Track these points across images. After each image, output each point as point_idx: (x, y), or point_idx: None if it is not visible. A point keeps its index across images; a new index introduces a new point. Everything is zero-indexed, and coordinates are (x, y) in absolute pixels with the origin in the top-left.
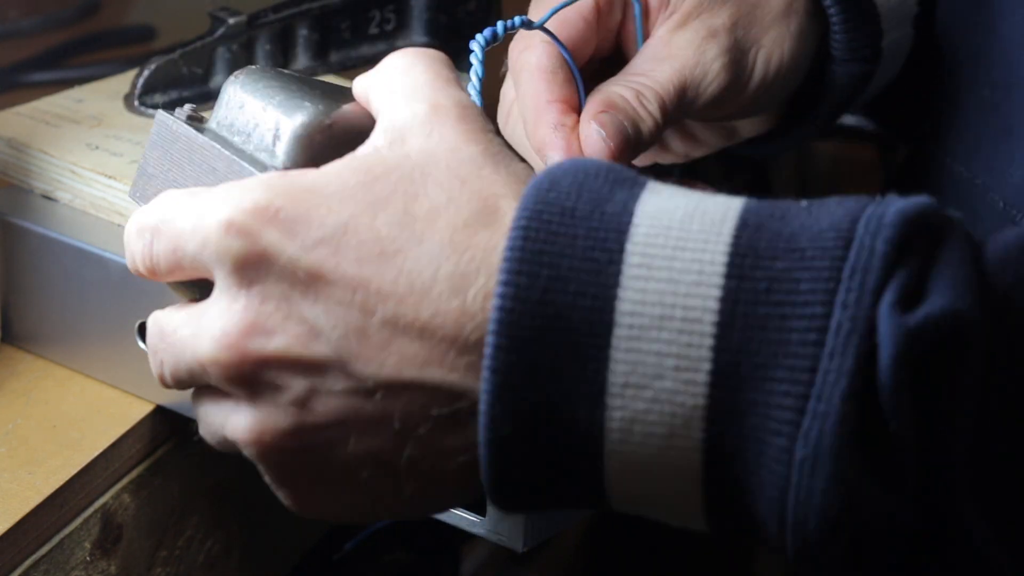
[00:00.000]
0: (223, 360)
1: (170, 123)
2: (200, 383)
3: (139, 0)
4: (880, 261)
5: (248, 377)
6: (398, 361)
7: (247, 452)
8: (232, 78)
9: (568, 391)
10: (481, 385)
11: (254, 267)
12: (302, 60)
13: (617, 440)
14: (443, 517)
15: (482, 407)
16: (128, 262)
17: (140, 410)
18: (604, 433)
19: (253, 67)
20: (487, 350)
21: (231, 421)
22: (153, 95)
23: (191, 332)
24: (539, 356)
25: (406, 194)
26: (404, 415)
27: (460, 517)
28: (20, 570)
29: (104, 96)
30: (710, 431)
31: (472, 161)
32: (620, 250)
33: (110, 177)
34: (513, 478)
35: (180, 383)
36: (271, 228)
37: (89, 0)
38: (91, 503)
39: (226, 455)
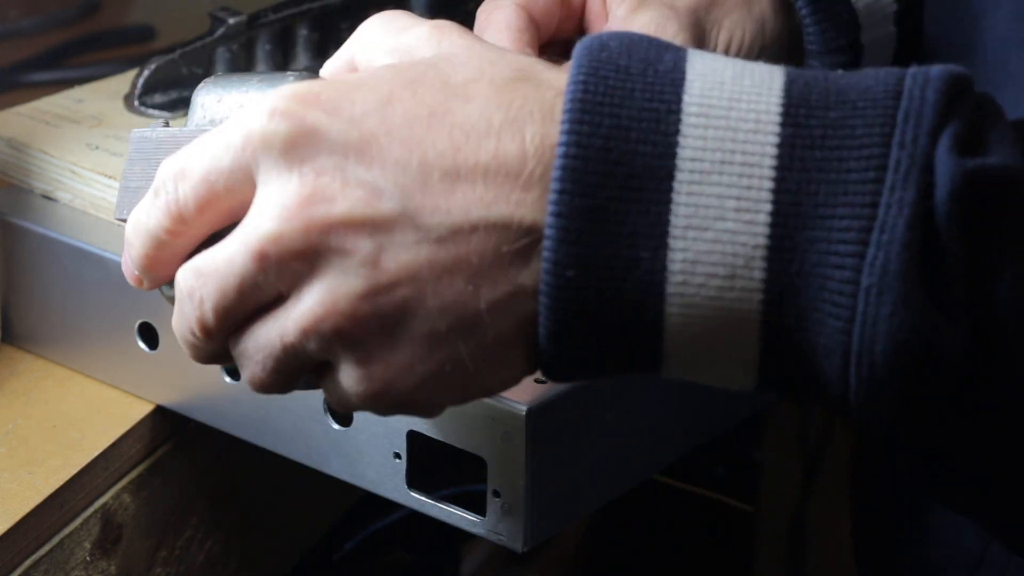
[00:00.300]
0: (286, 233)
1: (148, 133)
2: (250, 301)
3: (139, 0)
4: (932, 108)
5: (314, 247)
6: (464, 205)
7: (321, 334)
8: (200, 85)
9: (631, 234)
10: (545, 231)
11: (304, 146)
12: (302, 60)
13: (679, 282)
14: (443, 517)
15: (546, 252)
16: (142, 237)
17: (140, 410)
18: (666, 276)
19: (215, 75)
20: (551, 196)
21: (297, 311)
22: (153, 95)
23: (238, 241)
24: (603, 200)
25: (439, 73)
26: (477, 257)
27: (460, 517)
28: (20, 570)
29: (104, 96)
30: (770, 270)
31: (492, 50)
32: (678, 101)
33: (110, 177)
34: (572, 327)
35: (226, 311)
36: (315, 109)
37: (89, 0)
38: (91, 503)
39: (226, 455)
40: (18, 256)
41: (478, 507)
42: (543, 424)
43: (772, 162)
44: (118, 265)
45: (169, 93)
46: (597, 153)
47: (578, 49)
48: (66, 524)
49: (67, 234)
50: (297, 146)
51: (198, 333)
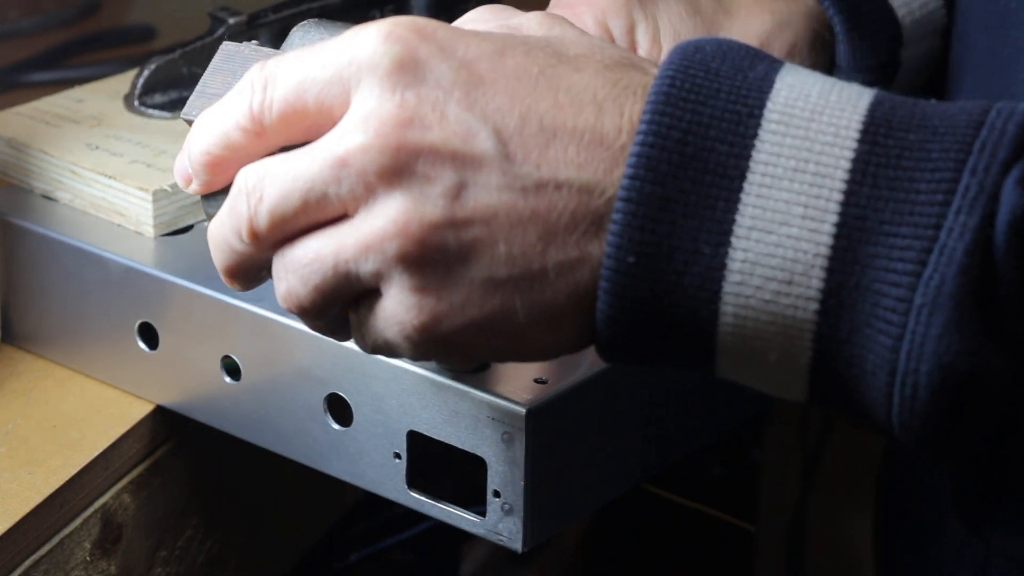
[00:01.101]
0: (376, 146)
1: (239, 48)
2: (311, 212)
3: (139, 0)
4: (1010, 141)
5: (399, 167)
6: (555, 162)
7: (384, 254)
8: (299, 25)
9: (696, 228)
10: (613, 215)
11: (411, 72)
12: None
13: (736, 282)
14: (443, 517)
15: (610, 236)
16: (211, 134)
17: (140, 410)
18: (724, 274)
19: (315, 19)
20: (624, 181)
21: (363, 228)
22: (153, 95)
23: (319, 147)
24: (673, 192)
25: (552, 44)
26: (555, 215)
27: (460, 517)
28: (20, 570)
29: (104, 96)
30: (829, 280)
31: (601, 39)
32: (760, 107)
33: (110, 177)
34: (628, 313)
35: (283, 217)
36: (430, 43)
37: (89, 0)
38: (91, 503)
39: (226, 455)
40: (18, 256)
41: (478, 507)
42: (543, 424)
43: (844, 175)
44: (118, 265)
45: (169, 93)
46: (674, 145)
47: (674, 49)
48: (66, 524)
49: (67, 234)
50: (404, 71)
51: (245, 236)
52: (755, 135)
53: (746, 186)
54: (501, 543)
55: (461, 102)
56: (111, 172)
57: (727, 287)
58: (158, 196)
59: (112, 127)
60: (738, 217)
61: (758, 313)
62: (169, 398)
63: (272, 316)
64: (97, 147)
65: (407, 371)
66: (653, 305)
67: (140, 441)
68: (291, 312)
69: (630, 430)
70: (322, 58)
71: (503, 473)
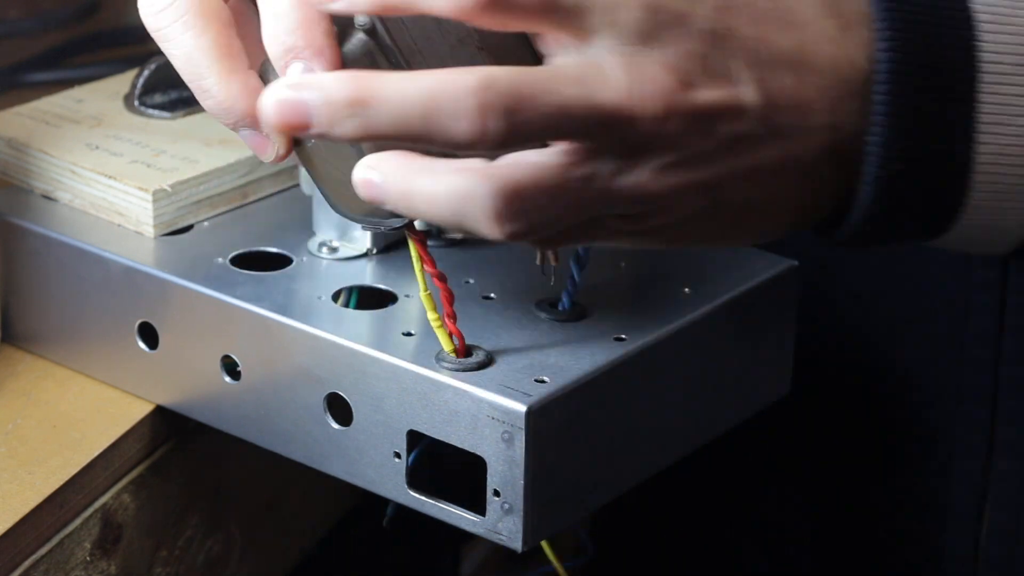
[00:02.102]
0: (647, 109)
1: None
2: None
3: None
4: None
5: (671, 130)
6: (807, 103)
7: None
8: None
9: (946, 132)
10: (873, 129)
11: (664, 24)
12: None
13: (985, 171)
14: (443, 517)
15: (874, 148)
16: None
17: (140, 410)
18: (973, 166)
19: None
20: (879, 98)
21: (633, 178)
22: (153, 95)
23: (578, 98)
24: (923, 103)
25: None
26: (811, 155)
27: (460, 517)
28: (20, 570)
29: (104, 96)
30: None
31: None
32: (967, 11)
33: (110, 177)
34: (889, 209)
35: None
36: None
37: (89, 0)
38: (91, 503)
39: (226, 455)
40: (18, 256)
41: (478, 507)
42: (543, 424)
43: None
44: (118, 265)
45: (169, 93)
46: (914, 61)
47: None
48: (66, 524)
49: (67, 234)
50: (660, 23)
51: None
52: (975, 37)
53: (980, 86)
54: (501, 543)
55: (718, 54)
56: (111, 172)
57: (976, 178)
58: (158, 196)
59: (112, 127)
60: (978, 116)
61: (1003, 197)
62: (169, 398)
63: (272, 316)
64: (97, 147)
65: (407, 371)
66: (912, 200)
67: (140, 441)
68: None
69: (630, 429)
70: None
71: (503, 473)
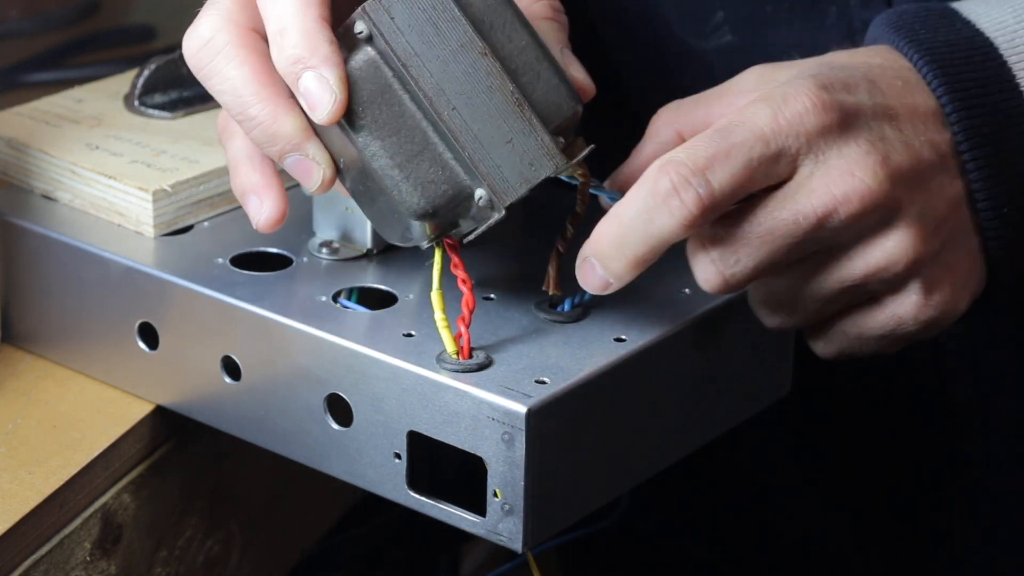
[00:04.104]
0: (874, 187)
1: None
2: (795, 253)
3: (139, 0)
4: None
5: (893, 198)
6: (931, 139)
7: (900, 267)
8: None
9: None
10: (977, 196)
11: (851, 123)
12: None
13: None
14: (443, 517)
15: (981, 203)
16: (641, 239)
17: (140, 410)
18: None
19: None
20: (966, 155)
21: (879, 251)
22: (153, 95)
23: (800, 196)
24: (1002, 145)
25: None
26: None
27: (460, 517)
28: (20, 570)
29: (104, 96)
30: None
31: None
32: (1001, 58)
33: (110, 177)
34: (1012, 246)
35: (787, 252)
36: (841, 92)
37: (89, 0)
38: (91, 503)
39: (226, 455)
40: (18, 256)
41: (478, 507)
42: (543, 424)
43: None
44: (118, 265)
45: (169, 93)
46: (979, 113)
47: (882, 25)
48: (66, 524)
49: (67, 234)
50: (849, 124)
51: (726, 291)
52: (1013, 76)
53: None
54: (501, 543)
55: (890, 127)
56: (111, 172)
57: None
58: (158, 196)
59: (112, 127)
60: None
61: None
62: (169, 398)
63: (272, 316)
64: (97, 147)
65: (407, 371)
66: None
67: (140, 441)
68: (773, 329)
69: (630, 430)
70: (761, 135)
71: (503, 473)
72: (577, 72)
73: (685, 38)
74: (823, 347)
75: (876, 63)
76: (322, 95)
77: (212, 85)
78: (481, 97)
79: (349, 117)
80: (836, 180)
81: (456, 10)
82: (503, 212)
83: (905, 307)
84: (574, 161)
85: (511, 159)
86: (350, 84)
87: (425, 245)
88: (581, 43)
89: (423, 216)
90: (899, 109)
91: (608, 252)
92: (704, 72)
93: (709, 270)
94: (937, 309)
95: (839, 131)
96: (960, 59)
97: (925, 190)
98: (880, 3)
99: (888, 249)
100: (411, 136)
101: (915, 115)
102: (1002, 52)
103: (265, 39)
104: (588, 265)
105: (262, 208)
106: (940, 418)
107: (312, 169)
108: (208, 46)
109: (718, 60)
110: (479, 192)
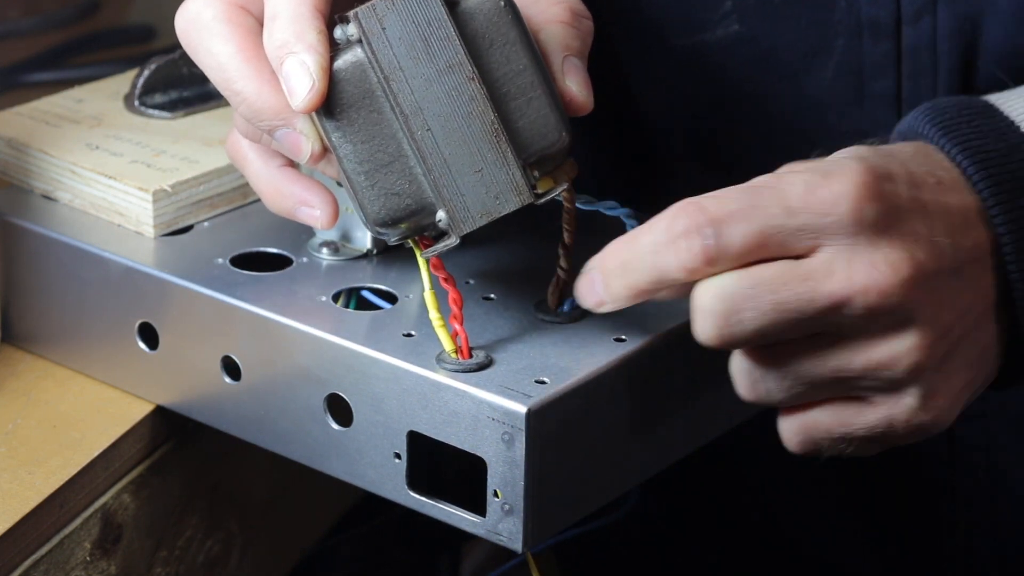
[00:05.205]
0: (893, 285)
1: None
2: (817, 326)
3: (139, 0)
4: None
5: (912, 303)
6: (973, 249)
7: (901, 368)
8: None
9: None
10: (1010, 271)
11: (893, 216)
12: None
13: None
14: (443, 517)
15: (1015, 280)
16: (644, 272)
17: (140, 410)
18: None
19: None
20: (1007, 240)
21: (885, 347)
22: (153, 95)
23: (820, 280)
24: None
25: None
26: (988, 296)
27: (460, 517)
28: (20, 570)
29: (104, 96)
30: None
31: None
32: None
33: (110, 177)
34: None
35: (765, 334)
36: (887, 184)
37: (89, 0)
38: (91, 503)
39: (226, 455)
40: (18, 256)
41: (478, 507)
42: (543, 424)
43: None
44: (118, 265)
45: (169, 93)
46: (1012, 199)
47: (919, 118)
48: (66, 524)
49: (67, 234)
50: (888, 218)
51: (720, 345)
52: None
53: None
54: (501, 543)
55: (921, 224)
56: (111, 172)
57: None
58: (158, 196)
59: (112, 127)
60: None
61: None
62: (169, 398)
63: (272, 316)
64: (97, 147)
65: (407, 371)
66: None
67: (140, 441)
68: (754, 402)
69: (630, 430)
70: (788, 205)
71: (503, 473)
72: (574, 83)
73: (690, 32)
74: (798, 441)
75: (909, 154)
76: (301, 81)
77: (199, 60)
78: (458, 122)
79: (327, 114)
80: (859, 270)
81: (451, 29)
82: (457, 240)
83: (899, 409)
84: (542, 200)
85: (477, 189)
86: (334, 82)
87: (392, 242)
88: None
89: (381, 224)
90: (932, 206)
91: (613, 271)
92: (708, 68)
93: (708, 322)
94: (931, 416)
95: (874, 222)
96: (1001, 155)
97: (940, 294)
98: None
99: (894, 348)
100: (385, 145)
101: (947, 214)
102: None
103: (257, 18)
104: (590, 278)
105: (317, 213)
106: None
107: (300, 142)
108: (196, 21)
109: (723, 53)
110: (440, 214)
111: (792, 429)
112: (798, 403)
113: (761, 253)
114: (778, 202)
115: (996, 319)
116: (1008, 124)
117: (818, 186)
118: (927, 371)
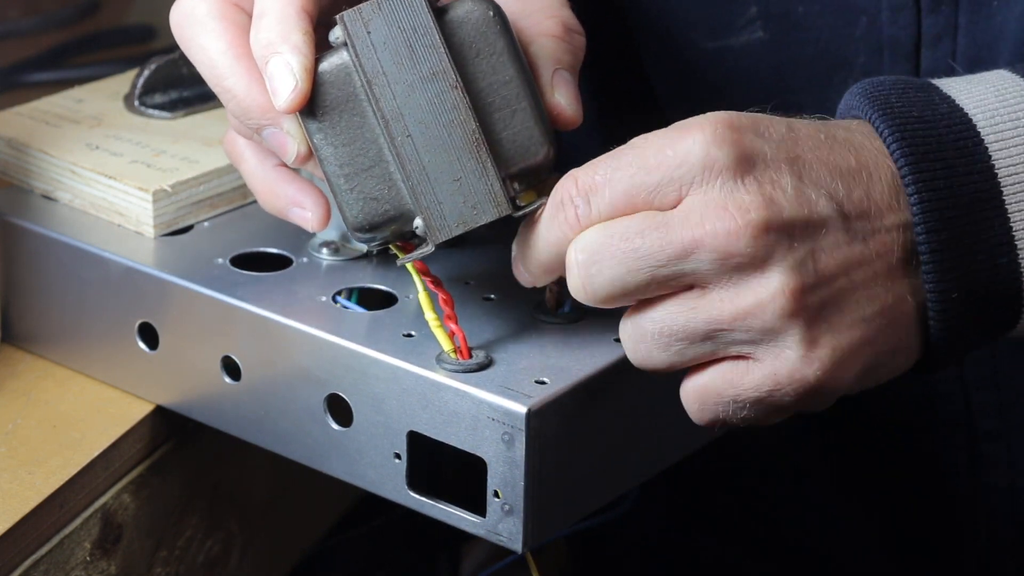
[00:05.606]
0: (742, 228)
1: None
2: (658, 287)
3: (139, 0)
4: None
5: (769, 243)
6: (878, 209)
7: (767, 316)
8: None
9: (988, 249)
10: (924, 269)
11: (747, 162)
12: None
13: None
14: (443, 517)
15: (929, 285)
16: (542, 248)
17: (140, 410)
18: (1022, 273)
19: None
20: (920, 237)
21: (745, 291)
22: (153, 95)
23: (675, 228)
24: (960, 230)
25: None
26: (883, 260)
27: (460, 517)
28: (20, 570)
29: (104, 96)
30: None
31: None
32: (979, 136)
33: (110, 177)
34: (957, 331)
35: (624, 287)
36: (747, 133)
37: (89, 0)
38: (91, 503)
39: (226, 455)
40: (18, 256)
41: (478, 507)
42: (543, 424)
43: None
44: (118, 265)
45: (169, 93)
46: (944, 196)
47: (872, 108)
48: (66, 524)
49: (67, 234)
50: (741, 163)
51: (579, 297)
52: (989, 158)
53: (1005, 199)
54: (501, 543)
55: (791, 177)
56: (111, 172)
57: None
58: (158, 196)
59: (112, 127)
60: (1012, 226)
61: None
62: (169, 398)
63: (272, 316)
64: (97, 147)
65: (407, 371)
66: (973, 317)
67: (140, 441)
68: (642, 367)
69: (630, 430)
70: (645, 164)
71: (503, 473)
72: (563, 97)
73: (714, 36)
74: (698, 409)
75: (811, 120)
76: (284, 81)
77: (191, 55)
78: (439, 130)
79: (310, 115)
80: (711, 214)
81: (437, 36)
82: (433, 248)
83: (781, 363)
84: (520, 213)
85: (454, 198)
86: (317, 83)
87: (373, 247)
88: (609, 46)
89: (359, 229)
90: (809, 159)
91: (523, 252)
92: (731, 72)
93: (572, 274)
94: (815, 370)
95: (729, 168)
96: (924, 123)
97: (811, 244)
98: (909, 17)
99: (759, 294)
100: (366, 149)
101: (829, 168)
102: (980, 130)
103: (250, 15)
104: (515, 262)
105: (308, 215)
106: (956, 416)
107: (287, 142)
108: (189, 16)
109: (746, 59)
110: (417, 220)
111: (689, 397)
112: (684, 366)
113: (631, 211)
114: (639, 161)
115: (909, 284)
116: (944, 97)
117: (674, 140)
118: (800, 319)
